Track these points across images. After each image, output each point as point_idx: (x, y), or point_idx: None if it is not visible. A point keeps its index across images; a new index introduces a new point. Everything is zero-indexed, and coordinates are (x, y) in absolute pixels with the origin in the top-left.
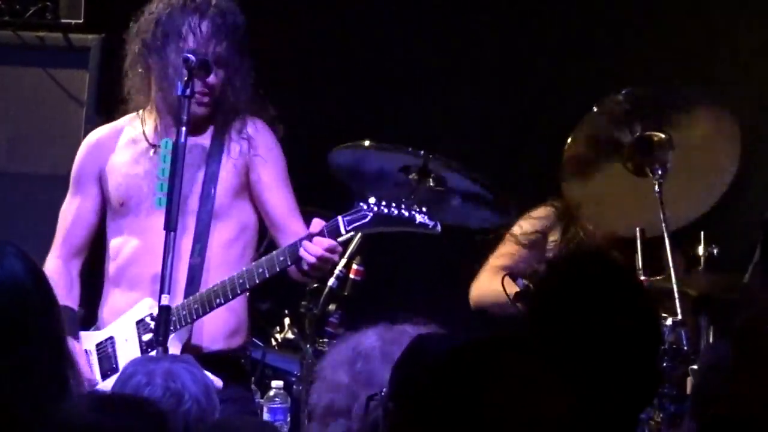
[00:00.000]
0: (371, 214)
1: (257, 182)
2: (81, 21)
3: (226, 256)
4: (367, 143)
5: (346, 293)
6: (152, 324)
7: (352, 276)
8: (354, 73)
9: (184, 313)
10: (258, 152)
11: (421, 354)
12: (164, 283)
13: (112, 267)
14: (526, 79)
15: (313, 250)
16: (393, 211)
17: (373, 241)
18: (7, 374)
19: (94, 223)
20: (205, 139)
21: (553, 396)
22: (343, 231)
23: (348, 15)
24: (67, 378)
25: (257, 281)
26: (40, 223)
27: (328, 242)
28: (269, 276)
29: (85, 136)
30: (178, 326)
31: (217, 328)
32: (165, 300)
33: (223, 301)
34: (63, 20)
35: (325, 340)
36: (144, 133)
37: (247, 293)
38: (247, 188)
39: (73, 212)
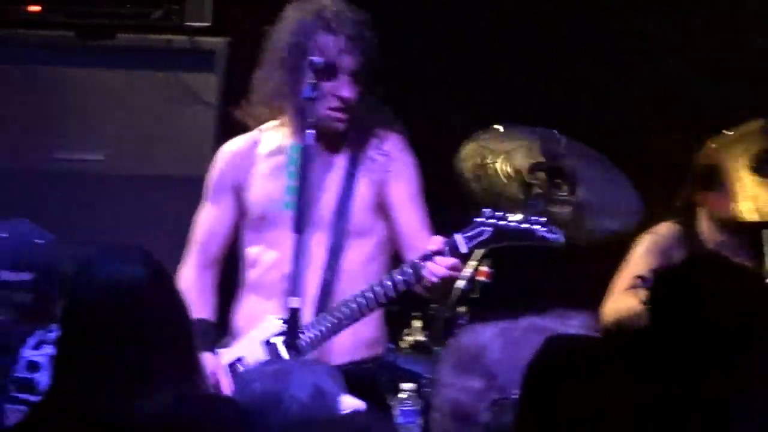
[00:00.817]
0: (490, 229)
1: (390, 199)
2: (207, 24)
3: (364, 273)
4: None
5: (475, 295)
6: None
7: (481, 278)
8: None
9: (312, 336)
10: (393, 168)
11: (552, 356)
12: (294, 286)
13: (250, 275)
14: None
15: (436, 269)
16: (511, 225)
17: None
18: (123, 373)
19: (229, 234)
20: (341, 155)
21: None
22: (462, 249)
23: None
24: (188, 380)
25: (381, 301)
26: (168, 225)
27: (449, 261)
28: (392, 296)
29: (213, 139)
30: (311, 344)
31: (355, 338)
32: (295, 302)
33: (350, 323)
34: (189, 23)
35: (450, 346)
36: (280, 144)
37: None
38: (382, 204)
39: (209, 222)
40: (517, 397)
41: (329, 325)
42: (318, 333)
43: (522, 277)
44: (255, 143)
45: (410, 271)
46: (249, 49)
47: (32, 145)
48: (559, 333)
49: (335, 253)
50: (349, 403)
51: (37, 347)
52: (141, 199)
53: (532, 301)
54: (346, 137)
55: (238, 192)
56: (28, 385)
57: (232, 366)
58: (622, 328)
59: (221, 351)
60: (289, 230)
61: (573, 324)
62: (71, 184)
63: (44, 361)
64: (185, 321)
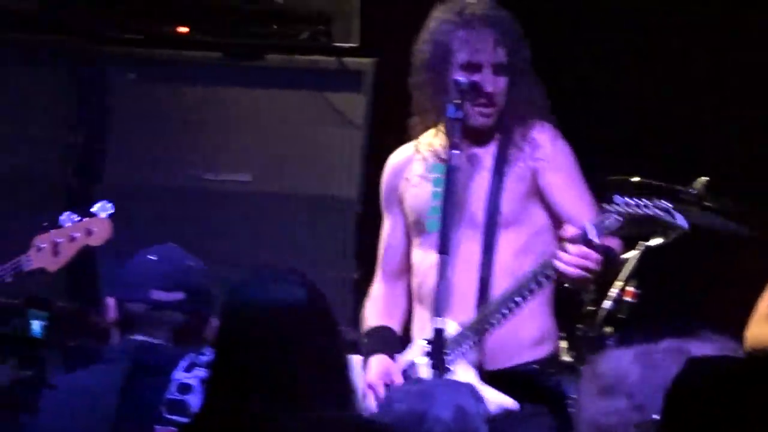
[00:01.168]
0: (619, 216)
1: (546, 187)
2: (355, 44)
3: (520, 263)
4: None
5: (622, 315)
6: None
7: (627, 298)
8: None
9: (469, 333)
10: (544, 156)
11: (695, 378)
12: (439, 306)
13: (414, 284)
14: None
15: (567, 259)
16: (640, 210)
17: (649, 262)
18: (276, 394)
19: (403, 244)
20: (489, 149)
21: None
22: (592, 236)
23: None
24: (343, 399)
25: (527, 296)
26: (316, 243)
27: (580, 249)
28: (539, 290)
29: (360, 159)
30: (468, 346)
31: (520, 338)
32: (440, 323)
33: (500, 320)
34: (337, 44)
35: (589, 370)
36: (429, 154)
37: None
38: (537, 193)
39: (386, 235)
40: (659, 419)
41: (475, 334)
42: (466, 346)
43: (666, 298)
44: (412, 153)
45: (547, 262)
46: (397, 69)
47: (180, 165)
48: (700, 356)
49: (489, 249)
50: (501, 401)
51: (189, 369)
52: (287, 219)
53: (676, 323)
54: (495, 129)
55: (401, 202)
56: (180, 407)
57: (404, 372)
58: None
59: (399, 356)
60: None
61: (714, 347)
62: (218, 204)
63: (196, 383)
64: (338, 342)
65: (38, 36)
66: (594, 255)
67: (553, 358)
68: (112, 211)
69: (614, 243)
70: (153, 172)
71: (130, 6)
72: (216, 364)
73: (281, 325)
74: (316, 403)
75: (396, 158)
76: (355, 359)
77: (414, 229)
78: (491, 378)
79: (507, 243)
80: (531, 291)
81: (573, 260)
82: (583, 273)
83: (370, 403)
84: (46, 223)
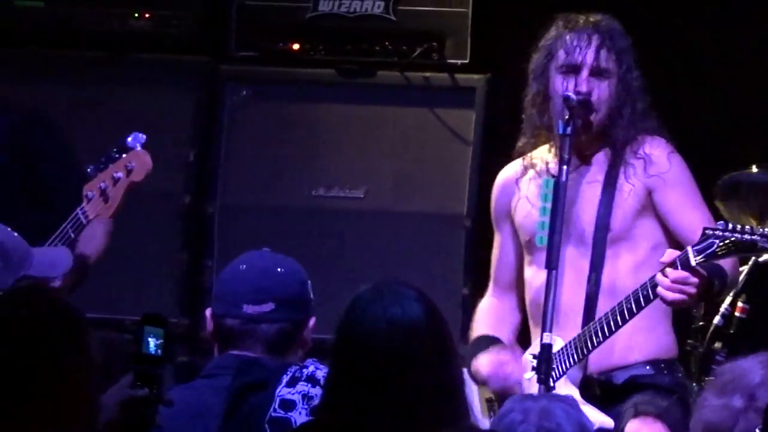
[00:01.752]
0: (718, 241)
1: (662, 204)
2: (467, 61)
3: (629, 280)
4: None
5: (731, 331)
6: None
7: (737, 314)
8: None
9: (572, 351)
10: (658, 171)
11: None
12: (545, 322)
13: (527, 300)
14: None
15: (666, 284)
16: (740, 237)
17: (759, 277)
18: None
19: (515, 260)
20: (600, 164)
21: None
22: (692, 262)
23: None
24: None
25: (627, 318)
26: (426, 259)
27: (678, 274)
28: (637, 311)
29: (471, 174)
30: (570, 363)
31: (631, 350)
32: (546, 338)
33: (601, 339)
34: (449, 60)
35: (711, 378)
36: (540, 169)
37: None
38: (651, 210)
39: (497, 251)
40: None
41: (578, 352)
42: (568, 364)
43: None
44: (523, 168)
45: (646, 285)
46: (508, 85)
47: (293, 183)
48: None
49: (597, 265)
50: (596, 418)
51: (291, 384)
52: (398, 235)
53: None
54: (604, 144)
55: (511, 219)
56: (284, 425)
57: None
58: None
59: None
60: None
61: None
62: (331, 221)
63: (299, 399)
64: (454, 358)
65: (156, 55)
66: (693, 279)
67: (671, 362)
68: (143, 139)
69: (728, 262)
70: (266, 189)
71: (244, 24)
72: (332, 379)
73: (398, 341)
74: (432, 419)
75: (506, 173)
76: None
77: (525, 245)
78: (603, 387)
79: (616, 260)
80: (631, 312)
81: (672, 285)
82: (682, 297)
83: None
84: (90, 168)
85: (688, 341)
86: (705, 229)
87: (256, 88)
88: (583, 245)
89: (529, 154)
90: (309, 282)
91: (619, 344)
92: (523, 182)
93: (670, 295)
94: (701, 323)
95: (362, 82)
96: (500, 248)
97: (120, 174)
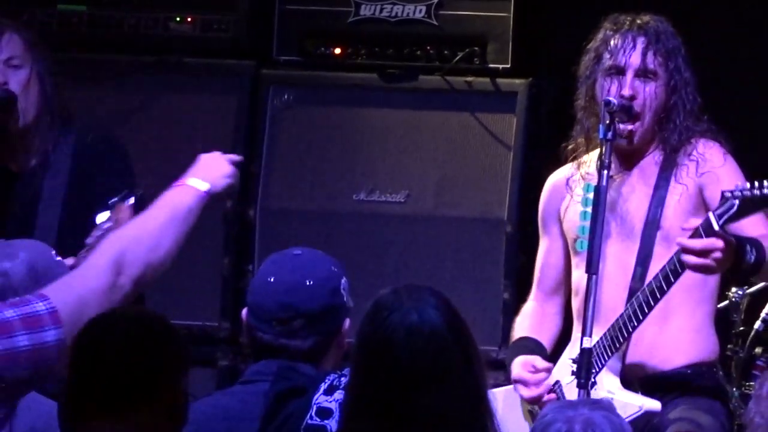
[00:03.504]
0: (737, 201)
1: (712, 200)
2: (508, 66)
3: (684, 278)
4: None
5: None
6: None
7: None
8: None
9: (608, 342)
10: (711, 169)
11: None
12: (586, 327)
13: (574, 302)
14: None
15: (692, 252)
16: (757, 192)
17: None
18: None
19: (561, 263)
20: (652, 165)
21: None
22: (715, 226)
23: None
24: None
25: (659, 296)
26: (468, 263)
27: (702, 242)
28: (668, 288)
29: (512, 179)
30: (608, 355)
31: (669, 345)
32: (587, 343)
33: (636, 324)
34: (491, 65)
35: (751, 383)
36: (589, 173)
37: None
38: (703, 208)
39: (543, 254)
40: None
41: (614, 342)
42: (608, 354)
43: None
44: (572, 173)
45: (673, 259)
46: (550, 90)
47: (334, 187)
48: None
49: (644, 261)
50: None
51: (329, 392)
52: (439, 241)
53: None
54: (656, 145)
55: (560, 222)
56: None
57: (550, 391)
58: None
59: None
60: (602, 259)
61: None
62: (374, 225)
63: (335, 407)
64: (476, 368)
65: (198, 59)
66: (719, 244)
67: (712, 365)
68: (134, 196)
69: None
70: (307, 193)
71: (286, 28)
72: (351, 386)
73: (417, 349)
74: (453, 429)
75: (556, 177)
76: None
77: (572, 248)
78: (645, 383)
79: (663, 258)
80: (662, 290)
81: (696, 251)
82: (706, 261)
83: (522, 393)
84: (97, 212)
85: (729, 346)
86: (723, 192)
87: (299, 93)
88: (630, 240)
89: (580, 158)
90: (343, 281)
91: (664, 345)
92: (572, 186)
93: (693, 260)
94: (742, 328)
95: (404, 87)
96: (545, 252)
97: (108, 225)
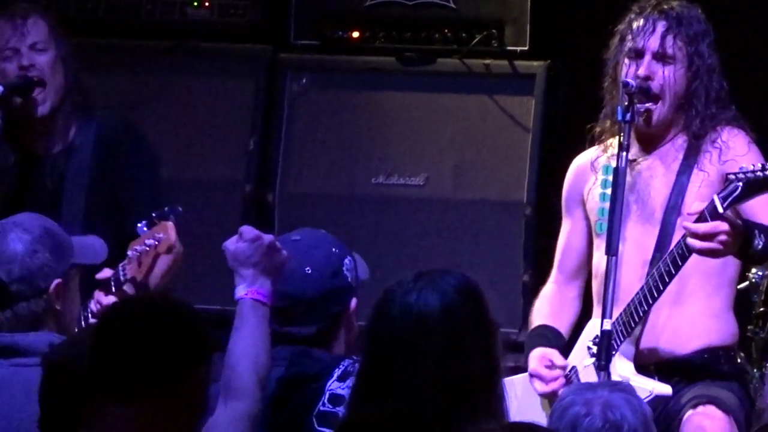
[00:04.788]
0: (741, 183)
1: None
2: (526, 48)
3: (695, 263)
4: None
5: None
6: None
7: None
8: None
9: (621, 327)
10: (734, 156)
11: None
12: (605, 309)
13: (594, 285)
14: None
15: (694, 232)
16: (760, 174)
17: None
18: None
19: (583, 246)
20: (676, 150)
21: None
22: (720, 209)
23: None
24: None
25: (668, 280)
26: (486, 246)
27: (706, 226)
28: (676, 272)
29: (531, 162)
30: (621, 338)
31: (684, 330)
32: (607, 325)
33: (646, 308)
34: (508, 48)
35: None
36: (612, 155)
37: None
38: None
39: (564, 236)
40: None
41: (627, 326)
42: (621, 337)
43: None
44: (597, 156)
45: (680, 242)
46: (568, 72)
47: (353, 171)
48: None
49: (663, 245)
50: (654, 387)
51: (342, 379)
52: (458, 224)
53: None
54: (679, 129)
55: (583, 205)
56: (332, 420)
57: (567, 376)
58: None
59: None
60: (621, 241)
61: None
62: (392, 209)
63: (348, 394)
64: (474, 356)
65: (215, 44)
66: (723, 227)
67: (729, 349)
68: (178, 212)
69: None
70: (326, 177)
71: (303, 12)
72: (361, 370)
73: (407, 329)
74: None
75: (581, 160)
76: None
77: (593, 231)
78: (660, 367)
79: None
80: (670, 274)
81: (700, 235)
82: (711, 245)
83: (537, 387)
84: (141, 224)
85: (749, 327)
86: (727, 174)
87: (316, 77)
88: (650, 224)
89: (606, 141)
90: (347, 261)
91: (680, 330)
92: (596, 168)
93: (699, 244)
94: (762, 309)
95: (422, 70)
96: (567, 234)
97: (151, 242)
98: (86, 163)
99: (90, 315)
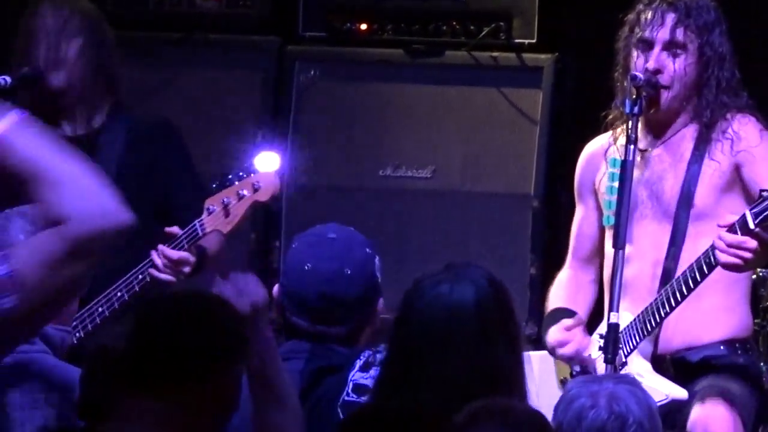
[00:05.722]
0: None
1: (750, 179)
2: (534, 41)
3: None
4: None
5: None
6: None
7: None
8: None
9: (641, 325)
10: (747, 147)
11: None
12: (612, 302)
13: (605, 274)
14: None
15: (723, 247)
16: None
17: None
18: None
19: (596, 233)
20: (687, 141)
21: None
22: (751, 225)
23: None
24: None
25: (693, 286)
26: (494, 239)
27: (734, 239)
28: (701, 279)
29: (539, 154)
30: (640, 337)
31: (702, 323)
32: (614, 318)
33: (668, 310)
34: (516, 40)
35: None
36: (622, 145)
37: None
38: (738, 187)
39: (577, 224)
40: None
41: (647, 325)
42: (639, 336)
43: None
44: (608, 144)
45: (708, 251)
46: (575, 65)
47: (360, 162)
48: None
49: (677, 241)
50: (671, 391)
51: (365, 369)
52: (465, 216)
53: None
54: (691, 119)
55: (595, 193)
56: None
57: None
58: None
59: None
60: (637, 226)
61: None
62: (399, 201)
63: (372, 383)
64: (503, 347)
65: (224, 35)
66: (751, 244)
67: (746, 341)
68: (278, 163)
69: None
70: (334, 169)
71: (312, 4)
72: (389, 360)
73: (438, 319)
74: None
75: (593, 147)
76: (533, 356)
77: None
78: (676, 366)
79: (697, 237)
80: (695, 281)
81: (727, 249)
82: (736, 260)
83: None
84: (215, 185)
85: (756, 320)
86: (761, 191)
87: (324, 69)
88: (665, 219)
89: (617, 129)
90: (377, 261)
91: (697, 322)
92: (607, 156)
93: (723, 258)
94: None
95: (430, 62)
96: (580, 221)
97: (245, 191)
98: (116, 152)
99: (155, 270)
